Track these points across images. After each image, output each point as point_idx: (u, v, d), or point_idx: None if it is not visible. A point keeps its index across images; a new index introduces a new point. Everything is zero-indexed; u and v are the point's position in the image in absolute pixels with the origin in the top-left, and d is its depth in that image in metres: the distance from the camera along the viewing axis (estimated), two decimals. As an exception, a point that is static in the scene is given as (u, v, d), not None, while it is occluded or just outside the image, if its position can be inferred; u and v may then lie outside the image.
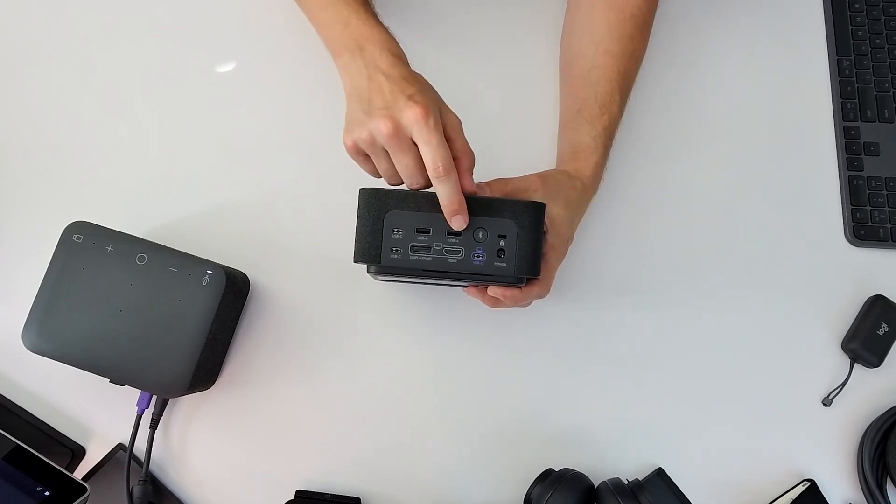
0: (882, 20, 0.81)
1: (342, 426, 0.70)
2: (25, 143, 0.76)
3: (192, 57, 0.79)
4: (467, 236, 0.57)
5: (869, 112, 0.78)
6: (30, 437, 0.66)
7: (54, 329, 0.63)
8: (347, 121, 0.59)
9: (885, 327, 0.71)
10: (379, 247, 0.56)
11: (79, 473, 0.67)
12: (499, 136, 0.75)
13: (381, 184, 0.60)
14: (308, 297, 0.72)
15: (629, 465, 0.69)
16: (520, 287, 0.59)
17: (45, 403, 0.70)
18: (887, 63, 0.80)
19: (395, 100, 0.55)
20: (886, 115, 0.78)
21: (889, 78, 0.79)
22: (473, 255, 0.57)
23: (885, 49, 0.80)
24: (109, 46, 0.79)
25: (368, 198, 0.57)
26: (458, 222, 0.55)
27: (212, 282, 0.64)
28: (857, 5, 0.82)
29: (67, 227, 0.65)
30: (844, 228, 0.75)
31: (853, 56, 0.80)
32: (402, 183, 0.58)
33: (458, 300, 0.70)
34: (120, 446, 0.69)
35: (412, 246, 0.57)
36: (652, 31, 0.74)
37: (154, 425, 0.68)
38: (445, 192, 0.55)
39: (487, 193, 0.61)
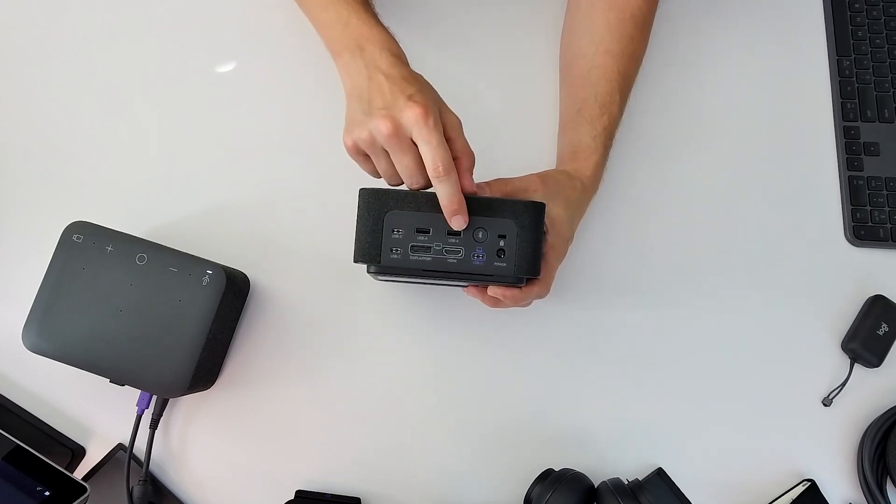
0: (882, 20, 0.81)
1: (342, 426, 0.70)
2: (25, 143, 0.76)
3: (192, 57, 0.79)
4: (467, 236, 0.57)
5: (869, 112, 0.78)
6: (30, 437, 0.66)
7: (54, 329, 0.63)
8: (347, 121, 0.59)
9: (885, 327, 0.71)
10: (379, 247, 0.56)
11: (79, 473, 0.67)
12: (499, 136, 0.75)
13: (381, 184, 0.60)
14: (308, 297, 0.72)
15: (629, 465, 0.69)
16: (520, 287, 0.59)
17: (45, 403, 0.70)
18: (887, 63, 0.80)
19: (395, 100, 0.55)
20: (886, 115, 0.78)
21: (889, 78, 0.79)
22: (473, 255, 0.57)
23: (885, 49, 0.80)
24: (109, 46, 0.79)
25: (368, 198, 0.57)
26: (458, 222, 0.55)
27: (212, 282, 0.64)
28: (857, 5, 0.82)
29: (67, 227, 0.65)
30: (844, 228, 0.75)
31: (853, 56, 0.80)
32: (402, 183, 0.58)
33: (458, 300, 0.70)
34: (120, 446, 0.69)
35: (412, 246, 0.57)
36: (652, 31, 0.74)
37: (154, 425, 0.68)
38: (445, 192, 0.55)
39: (487, 193, 0.61)
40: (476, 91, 0.76)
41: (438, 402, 0.71)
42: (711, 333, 0.72)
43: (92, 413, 0.70)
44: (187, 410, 0.70)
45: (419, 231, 0.57)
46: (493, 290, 0.59)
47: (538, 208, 0.58)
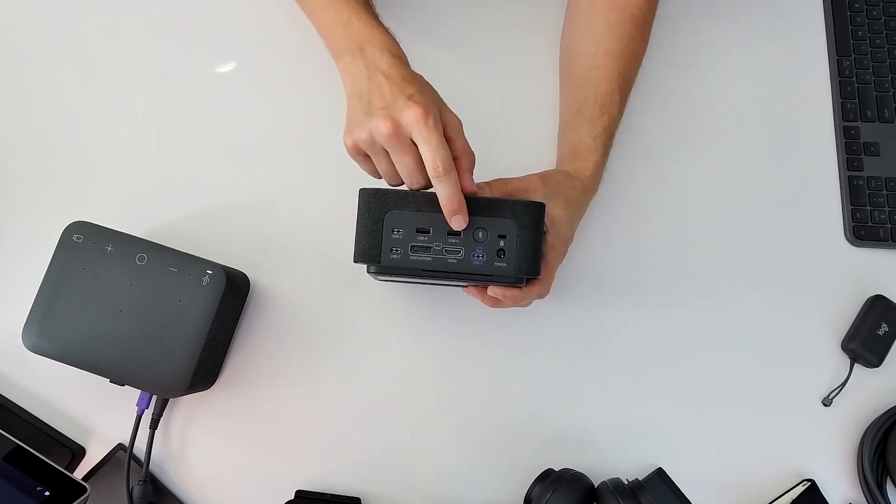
0: (882, 20, 0.81)
1: (342, 426, 0.70)
2: (25, 143, 0.76)
3: (192, 57, 0.79)
4: (467, 236, 0.57)
5: (869, 112, 0.78)
6: (30, 437, 0.66)
7: (54, 329, 0.63)
8: (348, 121, 0.59)
9: (885, 327, 0.71)
10: (379, 247, 0.56)
11: (79, 473, 0.67)
12: (499, 136, 0.75)
13: (382, 184, 0.60)
14: (308, 297, 0.72)
15: (629, 465, 0.69)
16: (520, 287, 0.59)
17: (45, 403, 0.70)
18: (887, 63, 0.80)
19: (394, 100, 0.55)
20: (886, 115, 0.78)
21: (889, 78, 0.79)
22: (473, 255, 0.57)
23: (885, 49, 0.80)
24: (109, 46, 0.79)
25: (368, 198, 0.57)
26: (457, 222, 0.55)
27: (212, 282, 0.64)
28: (857, 5, 0.82)
29: (67, 227, 0.65)
30: (844, 228, 0.75)
31: (853, 56, 0.80)
32: (402, 183, 0.58)
33: (458, 300, 0.70)
34: (120, 446, 0.69)
35: (412, 246, 0.57)
36: (652, 31, 0.74)
37: (154, 425, 0.68)
38: (445, 192, 0.55)
39: (487, 193, 0.61)
40: (476, 91, 0.76)
41: (438, 402, 0.71)
42: (711, 333, 0.72)
43: (92, 413, 0.70)
44: (187, 410, 0.70)
45: (419, 231, 0.57)
46: (493, 290, 0.59)
47: (538, 208, 0.58)
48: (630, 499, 0.61)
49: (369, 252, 0.56)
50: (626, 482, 0.64)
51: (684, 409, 0.71)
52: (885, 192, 0.76)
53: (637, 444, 0.70)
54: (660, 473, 0.67)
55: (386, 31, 0.62)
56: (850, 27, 0.81)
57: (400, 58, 0.59)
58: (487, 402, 0.71)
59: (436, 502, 0.69)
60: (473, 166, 0.58)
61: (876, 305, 0.72)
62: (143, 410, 0.68)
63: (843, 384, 0.71)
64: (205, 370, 0.66)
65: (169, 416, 0.70)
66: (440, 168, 0.54)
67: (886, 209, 0.75)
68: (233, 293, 0.67)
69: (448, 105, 0.58)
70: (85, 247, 0.64)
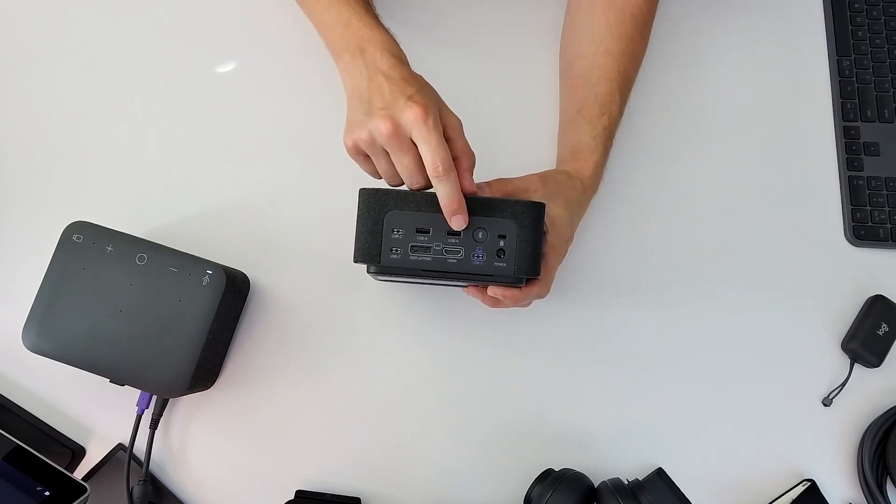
0: (882, 20, 0.81)
1: (342, 426, 0.70)
2: (25, 143, 0.76)
3: (192, 57, 0.79)
4: (467, 236, 0.57)
5: (869, 112, 0.78)
6: (30, 437, 0.66)
7: (54, 329, 0.63)
8: (348, 121, 0.59)
9: (885, 327, 0.71)
10: (379, 247, 0.56)
11: (79, 473, 0.67)
12: (499, 136, 0.75)
13: (381, 184, 0.60)
14: (308, 297, 0.72)
15: (629, 465, 0.69)
16: (520, 287, 0.59)
17: (45, 403, 0.70)
18: (887, 63, 0.80)
19: (394, 100, 0.55)
20: (886, 115, 0.78)
21: (889, 78, 0.79)
22: (473, 255, 0.57)
23: (885, 49, 0.80)
24: (109, 46, 0.79)
25: (368, 198, 0.57)
26: (457, 222, 0.55)
27: (212, 282, 0.64)
28: (857, 5, 0.82)
29: (67, 227, 0.65)
30: (844, 228, 0.75)
31: (853, 56, 0.80)
32: (402, 183, 0.58)
33: (458, 300, 0.70)
34: (120, 446, 0.69)
35: (412, 246, 0.57)
36: (652, 31, 0.74)
37: (154, 425, 0.68)
38: (445, 192, 0.55)
39: (487, 193, 0.61)
40: (476, 91, 0.76)
41: (438, 402, 0.71)
42: (711, 333, 0.72)
43: (92, 413, 0.70)
44: (187, 410, 0.70)
45: (419, 231, 0.57)
46: (493, 290, 0.59)
47: (538, 208, 0.58)
48: (630, 499, 0.61)
49: (369, 252, 0.56)
50: (626, 482, 0.64)
51: (684, 409, 0.71)
52: (885, 192, 0.76)
53: (637, 444, 0.70)
54: (660, 473, 0.67)
55: (386, 31, 0.62)
56: (850, 27, 0.81)
57: (400, 58, 0.59)
58: (487, 402, 0.71)
59: (436, 502, 0.69)
60: (473, 166, 0.58)
61: (876, 305, 0.72)
62: (143, 410, 0.68)
63: (843, 384, 0.71)
64: (205, 370, 0.66)
65: (169, 416, 0.70)
66: (440, 168, 0.54)
67: (886, 209, 0.75)
68: (233, 293, 0.67)
69: (448, 105, 0.58)
70: (85, 247, 0.64)
